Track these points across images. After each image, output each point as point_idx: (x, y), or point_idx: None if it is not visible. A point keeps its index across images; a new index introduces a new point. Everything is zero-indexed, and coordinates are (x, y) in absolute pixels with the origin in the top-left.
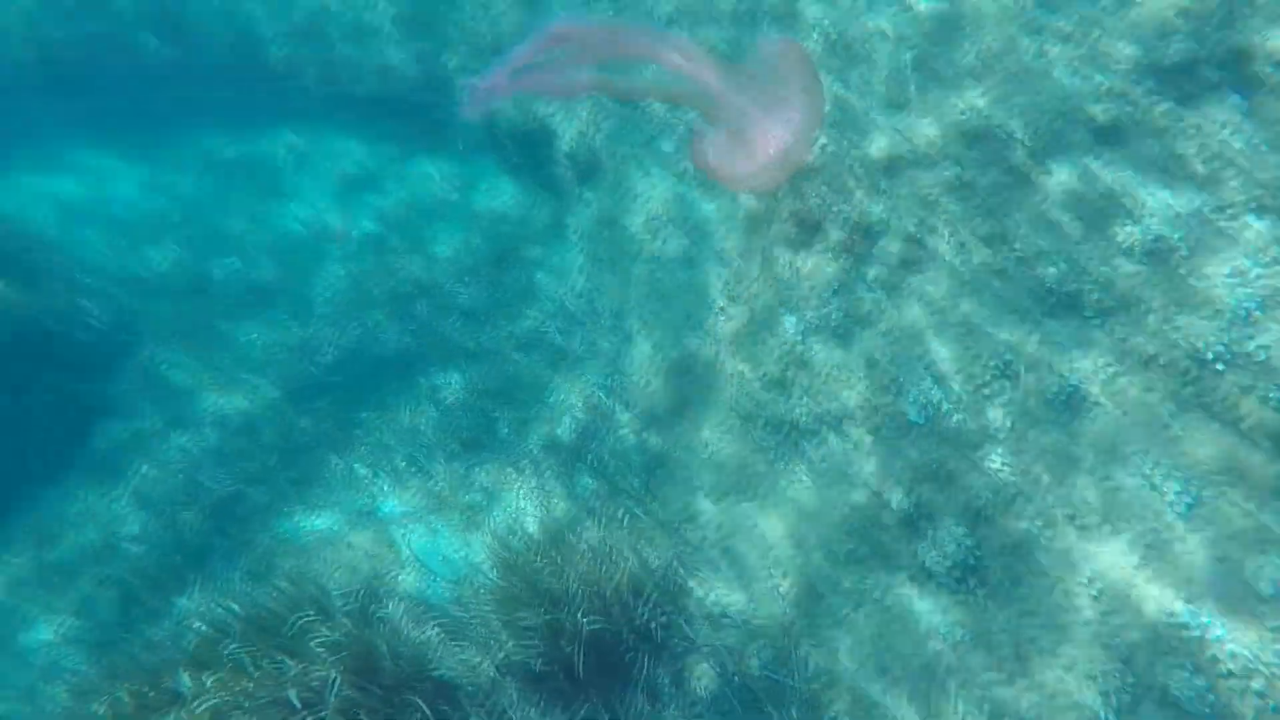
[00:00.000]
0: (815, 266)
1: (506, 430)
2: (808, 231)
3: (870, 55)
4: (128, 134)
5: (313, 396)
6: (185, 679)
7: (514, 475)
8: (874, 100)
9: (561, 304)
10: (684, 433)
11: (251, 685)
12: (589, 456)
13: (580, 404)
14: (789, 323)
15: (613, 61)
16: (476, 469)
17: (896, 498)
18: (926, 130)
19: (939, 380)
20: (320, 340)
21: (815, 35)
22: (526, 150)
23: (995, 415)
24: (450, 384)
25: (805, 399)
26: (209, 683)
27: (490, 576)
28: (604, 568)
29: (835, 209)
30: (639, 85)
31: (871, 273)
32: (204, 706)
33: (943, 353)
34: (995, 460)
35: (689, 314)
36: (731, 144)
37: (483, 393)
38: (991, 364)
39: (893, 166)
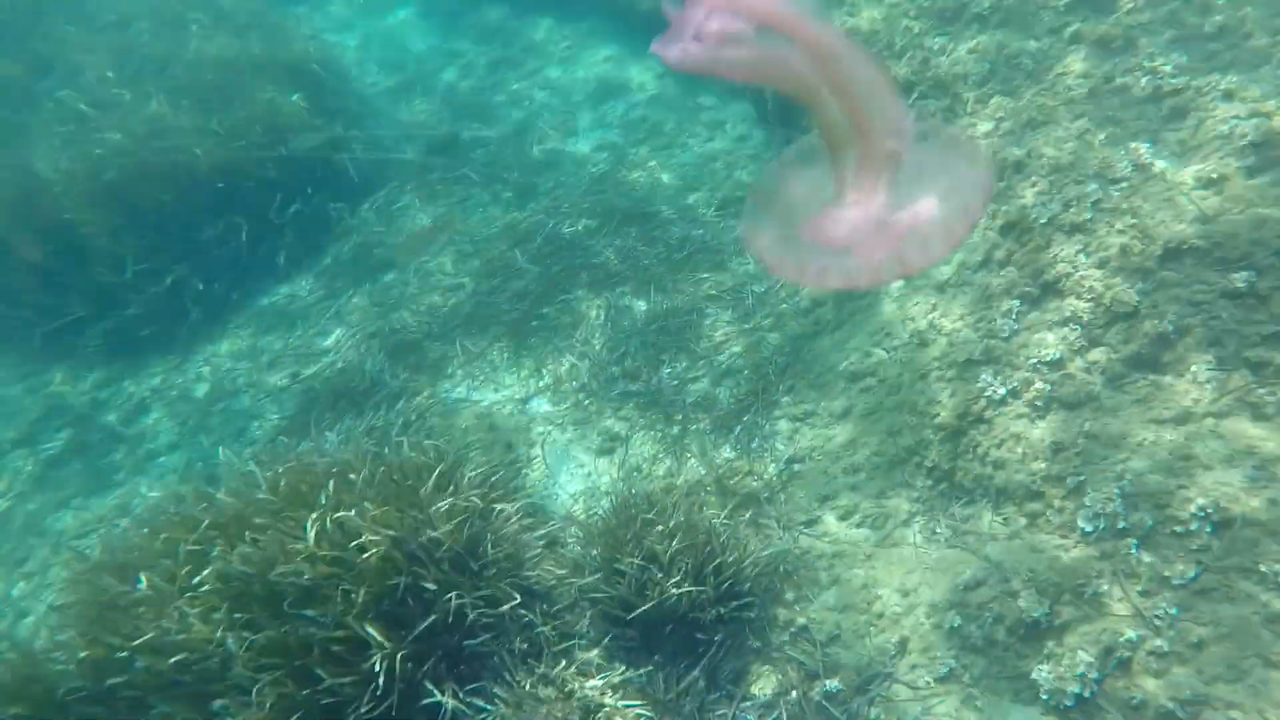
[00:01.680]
0: (1040, 333)
1: (669, 374)
2: (1045, 290)
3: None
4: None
5: (510, 278)
6: (329, 488)
7: (661, 421)
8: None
9: (771, 280)
10: (835, 443)
11: (377, 516)
12: (738, 428)
13: (746, 371)
14: (986, 377)
15: (800, 64)
16: (629, 401)
17: (1028, 600)
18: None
19: (1130, 500)
20: (533, 227)
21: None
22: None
23: (1182, 566)
24: (634, 309)
25: (972, 458)
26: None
27: (603, 507)
28: (713, 544)
29: (1086, 279)
30: (824, 107)
31: (1100, 358)
32: (338, 515)
33: (1143, 471)
34: (1161, 610)
35: (880, 329)
36: (864, 214)
37: (661, 329)
38: (1203, 506)
39: (1174, 253)
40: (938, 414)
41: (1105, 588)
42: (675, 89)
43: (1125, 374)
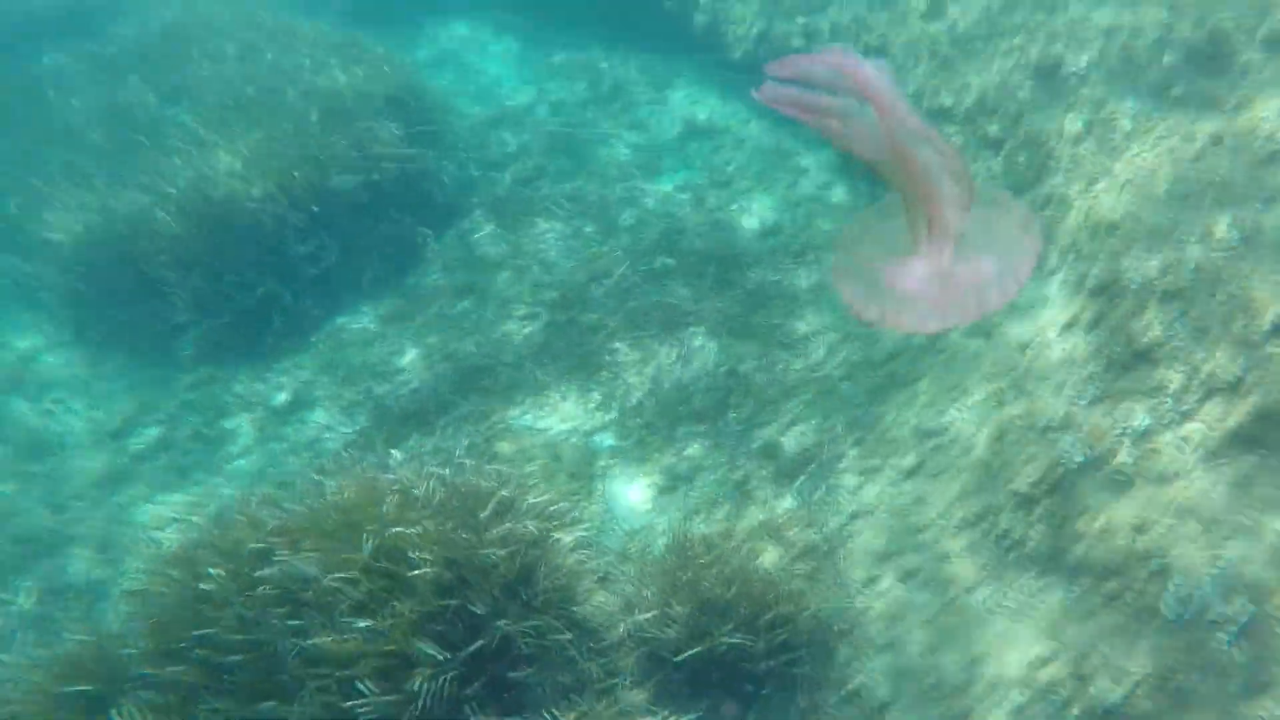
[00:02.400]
0: (1127, 402)
1: (735, 418)
2: (1136, 358)
3: None
4: (534, 28)
5: (584, 309)
6: (390, 503)
7: (724, 465)
8: None
9: (843, 314)
10: (902, 500)
11: (434, 534)
12: (801, 478)
13: (815, 420)
14: (1065, 444)
15: (871, 128)
16: (694, 442)
17: (1100, 686)
18: None
19: (1225, 590)
20: (612, 263)
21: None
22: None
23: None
24: (706, 350)
25: (1046, 528)
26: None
27: (660, 546)
28: (768, 594)
29: (1184, 349)
30: (903, 166)
31: (1195, 432)
32: (396, 530)
33: (1241, 559)
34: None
35: (956, 387)
36: (931, 273)
37: (730, 373)
38: None
39: None
40: (1012, 479)
41: (1186, 680)
42: (762, 135)
43: (1223, 452)
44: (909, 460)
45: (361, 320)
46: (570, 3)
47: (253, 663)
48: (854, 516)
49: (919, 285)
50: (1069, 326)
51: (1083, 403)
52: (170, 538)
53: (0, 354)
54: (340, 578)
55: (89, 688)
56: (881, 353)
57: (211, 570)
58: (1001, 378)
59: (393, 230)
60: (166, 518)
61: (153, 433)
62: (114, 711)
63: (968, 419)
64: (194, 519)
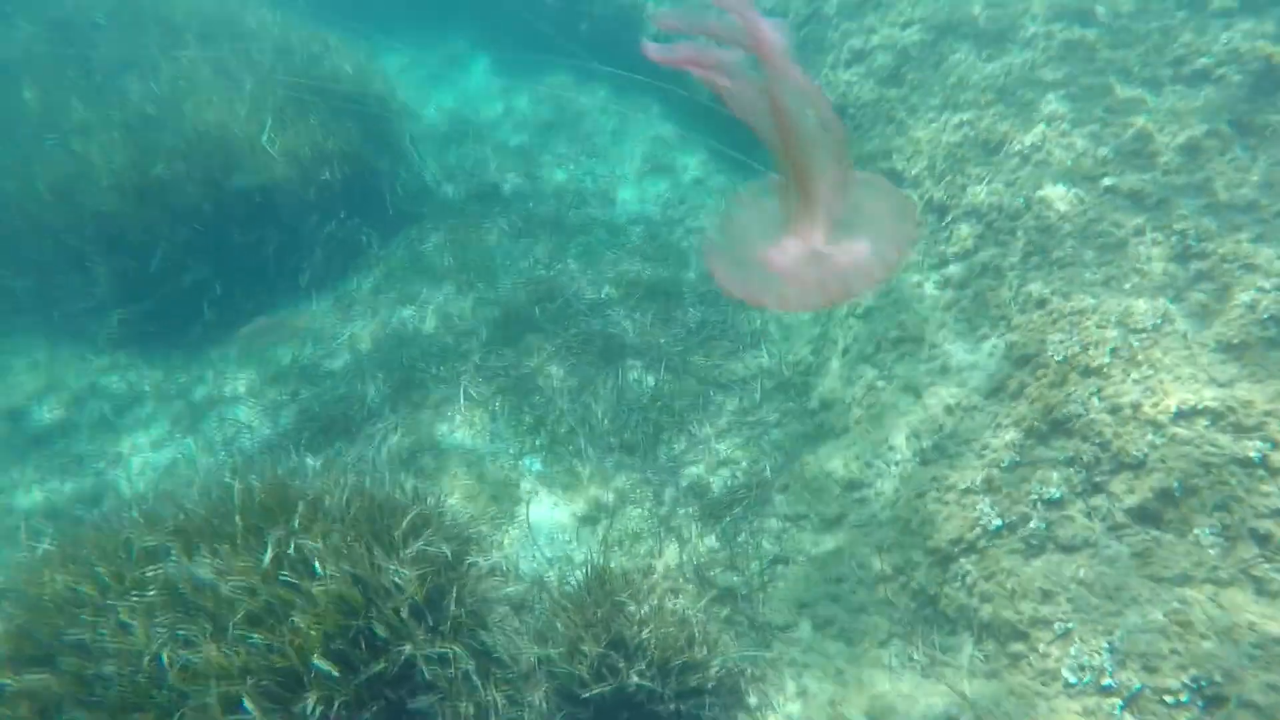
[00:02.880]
0: (1042, 470)
1: (665, 453)
2: (1054, 428)
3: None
4: (515, 62)
5: (524, 330)
6: (300, 510)
7: (650, 499)
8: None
9: (780, 361)
10: (823, 549)
11: (345, 550)
12: (726, 519)
13: (744, 463)
14: (983, 506)
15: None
16: (623, 473)
17: None
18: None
19: (1119, 658)
20: (556, 287)
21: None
22: None
23: None
24: (644, 383)
25: (959, 587)
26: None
27: (577, 579)
28: (682, 635)
29: (1098, 428)
30: (786, 132)
31: (1103, 504)
32: (302, 541)
33: (1135, 629)
34: None
35: (884, 442)
36: (795, 246)
37: (664, 407)
38: (1196, 678)
39: (1188, 413)
40: (929, 536)
41: None
42: (721, 177)
43: (1126, 525)
44: (832, 510)
45: (296, 319)
46: (544, 27)
47: (128, 674)
48: (775, 561)
49: (789, 264)
50: (994, 393)
51: (1004, 467)
52: (54, 529)
53: None
54: (238, 585)
55: None
56: (815, 401)
57: (99, 570)
58: (927, 437)
59: (338, 231)
60: (58, 506)
61: (55, 415)
62: None
63: (892, 474)
64: (89, 512)
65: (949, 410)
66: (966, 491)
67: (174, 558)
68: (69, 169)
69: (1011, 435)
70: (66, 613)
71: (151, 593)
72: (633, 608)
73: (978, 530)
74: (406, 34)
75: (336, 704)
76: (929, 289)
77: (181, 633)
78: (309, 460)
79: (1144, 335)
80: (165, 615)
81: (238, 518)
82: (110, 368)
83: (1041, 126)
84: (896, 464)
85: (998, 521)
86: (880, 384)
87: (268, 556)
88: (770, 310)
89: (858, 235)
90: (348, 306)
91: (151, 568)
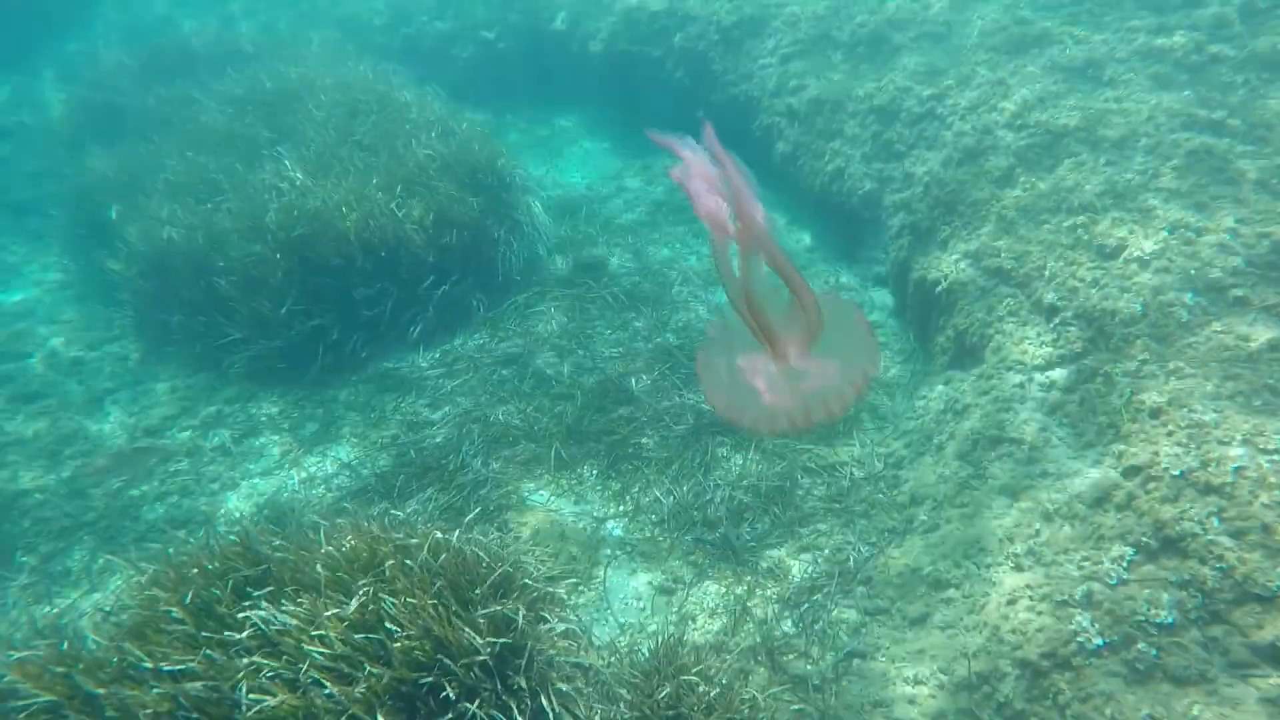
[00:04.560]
0: (1151, 590)
1: (748, 532)
2: (1165, 546)
3: None
4: (628, 129)
5: (620, 402)
6: (388, 566)
7: (729, 576)
8: None
9: (871, 452)
10: (903, 648)
11: (425, 608)
12: (805, 605)
13: (827, 550)
14: (1082, 620)
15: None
16: (701, 548)
17: None
18: None
19: None
20: (655, 361)
21: None
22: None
23: None
24: (730, 461)
25: (1050, 706)
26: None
27: (647, 649)
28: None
29: (1219, 551)
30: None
31: (1221, 635)
32: (385, 597)
33: None
34: None
35: (975, 542)
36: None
37: (750, 488)
38: None
39: None
40: (1019, 646)
41: None
42: (824, 265)
43: (1251, 662)
44: (916, 608)
45: (403, 370)
46: (663, 111)
47: (210, 704)
48: (851, 655)
49: (766, 386)
50: (1099, 503)
51: (1106, 583)
52: (172, 543)
53: (70, 340)
54: (318, 634)
55: (51, 698)
56: (905, 495)
57: (174, 611)
58: (1022, 542)
59: (452, 291)
60: (176, 521)
61: (184, 436)
62: None
63: (983, 577)
64: (199, 531)
65: (1048, 517)
66: (1064, 604)
67: (262, 603)
68: (225, 224)
69: (1117, 549)
70: (168, 636)
71: (244, 635)
72: (703, 688)
73: (1074, 646)
74: (528, 110)
75: None
76: (1033, 390)
77: (258, 670)
78: (395, 512)
79: (1276, 457)
80: (249, 653)
81: (319, 568)
82: (235, 398)
83: (1164, 233)
84: (988, 567)
85: (1099, 640)
86: (975, 484)
87: (352, 608)
88: (860, 400)
89: (830, 358)
90: (452, 362)
91: (242, 607)
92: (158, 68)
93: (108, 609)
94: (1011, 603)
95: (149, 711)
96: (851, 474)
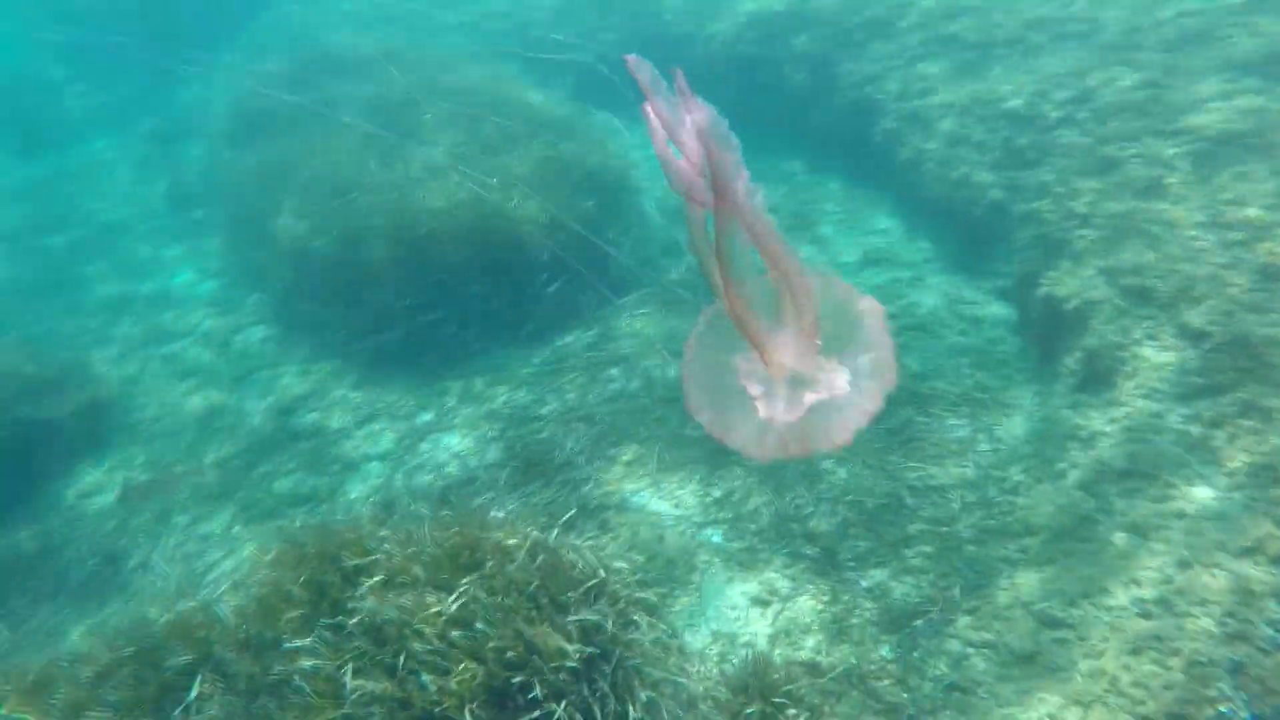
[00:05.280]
0: None
1: (849, 549)
2: None
3: None
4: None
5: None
6: (487, 566)
7: (826, 594)
8: None
9: (986, 475)
10: (1009, 687)
11: (519, 610)
12: (904, 630)
13: (931, 575)
14: (1224, 687)
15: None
16: (801, 561)
17: None
18: None
19: None
20: None
21: None
22: None
23: None
24: (835, 475)
25: None
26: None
27: (737, 660)
28: None
29: None
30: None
31: None
32: (472, 596)
33: None
34: None
35: (1095, 580)
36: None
37: (853, 503)
38: None
39: None
40: (1143, 702)
41: None
42: (938, 275)
43: None
44: (1025, 645)
45: (514, 365)
46: (780, 116)
47: (320, 680)
48: (951, 688)
49: (762, 398)
50: (1248, 552)
51: (1259, 646)
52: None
53: (222, 319)
54: (417, 630)
55: (188, 658)
56: (1019, 524)
57: (294, 590)
58: (1151, 586)
59: (563, 291)
60: (300, 498)
61: (312, 418)
62: (195, 683)
63: (1102, 620)
64: (318, 509)
65: (1184, 564)
66: (1201, 664)
67: (369, 595)
68: (357, 222)
69: (1271, 609)
70: (281, 611)
71: (354, 621)
72: (791, 710)
73: (1212, 713)
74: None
75: None
76: (1172, 421)
77: (363, 654)
78: (496, 513)
79: None
80: (355, 640)
81: (418, 569)
82: (358, 383)
83: None
84: (1109, 610)
85: (1246, 715)
86: (1099, 518)
87: (452, 605)
88: (975, 421)
89: (840, 368)
90: (560, 359)
91: (351, 594)
92: (303, 74)
93: (239, 579)
94: (1135, 653)
95: (270, 679)
96: (963, 497)
